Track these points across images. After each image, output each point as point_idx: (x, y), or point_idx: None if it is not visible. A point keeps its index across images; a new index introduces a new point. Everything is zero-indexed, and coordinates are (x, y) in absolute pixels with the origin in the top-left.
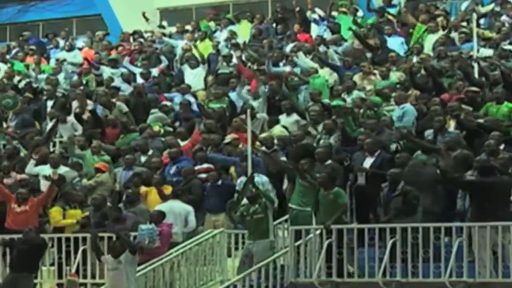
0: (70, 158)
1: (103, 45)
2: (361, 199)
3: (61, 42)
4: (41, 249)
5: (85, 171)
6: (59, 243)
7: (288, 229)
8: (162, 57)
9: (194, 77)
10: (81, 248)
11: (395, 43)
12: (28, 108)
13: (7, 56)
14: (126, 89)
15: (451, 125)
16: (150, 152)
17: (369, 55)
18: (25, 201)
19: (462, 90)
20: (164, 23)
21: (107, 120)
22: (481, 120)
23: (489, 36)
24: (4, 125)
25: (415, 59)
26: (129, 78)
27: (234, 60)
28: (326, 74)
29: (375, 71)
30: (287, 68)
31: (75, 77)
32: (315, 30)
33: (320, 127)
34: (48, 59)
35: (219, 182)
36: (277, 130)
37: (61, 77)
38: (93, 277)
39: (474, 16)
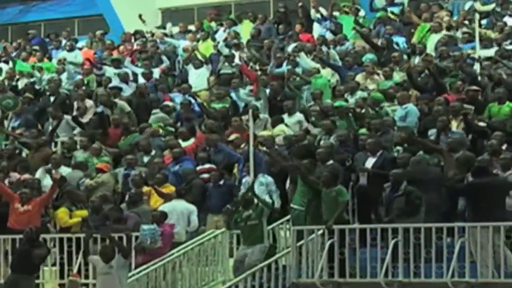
0: (73, 158)
1: (103, 45)
2: (363, 199)
3: (63, 42)
4: (41, 249)
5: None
6: (61, 244)
7: (290, 229)
8: (163, 57)
9: (198, 77)
10: (82, 248)
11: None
12: (29, 109)
13: (13, 54)
14: (126, 89)
15: (454, 125)
16: (153, 153)
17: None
18: (29, 201)
19: (462, 90)
20: (168, 25)
21: (112, 119)
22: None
23: (491, 36)
24: (7, 125)
25: (417, 59)
26: (125, 78)
27: (236, 60)
28: (328, 74)
29: (379, 71)
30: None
31: (78, 77)
32: (317, 30)
33: (318, 128)
34: (50, 59)
35: (221, 182)
36: (277, 129)
37: (63, 77)
38: (95, 277)
39: (477, 16)
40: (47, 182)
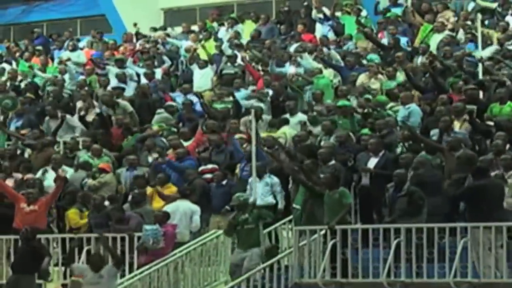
0: (76, 158)
1: (103, 45)
2: (365, 200)
3: (65, 43)
4: (39, 250)
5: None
6: (63, 244)
7: (292, 230)
8: (165, 58)
9: (202, 77)
10: (85, 249)
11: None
12: (31, 109)
13: (17, 54)
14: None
15: (457, 125)
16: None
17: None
18: (35, 201)
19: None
20: (169, 29)
21: (116, 120)
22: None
23: (494, 36)
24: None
25: (420, 59)
26: (123, 78)
27: (239, 61)
28: (331, 75)
29: (382, 71)
30: (291, 69)
31: (81, 78)
32: (319, 30)
33: (318, 128)
34: (52, 59)
35: (224, 182)
36: (279, 132)
37: (66, 77)
38: None
39: (479, 16)
40: (48, 182)
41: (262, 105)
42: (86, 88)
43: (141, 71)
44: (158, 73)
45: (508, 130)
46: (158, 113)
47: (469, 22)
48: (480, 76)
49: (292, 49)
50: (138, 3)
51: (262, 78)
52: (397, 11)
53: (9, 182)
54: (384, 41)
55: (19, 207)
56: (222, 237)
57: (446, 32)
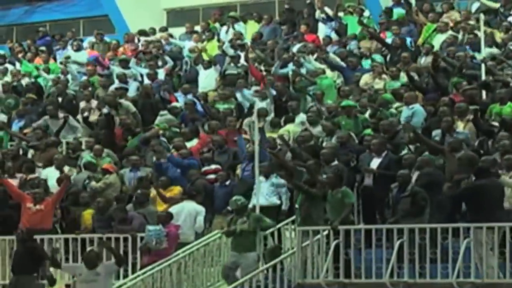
0: (80, 158)
1: (104, 46)
2: (368, 200)
3: (69, 43)
4: (36, 251)
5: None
6: (66, 244)
7: (295, 230)
8: (167, 58)
9: (206, 77)
10: (88, 249)
11: None
12: (33, 109)
13: (20, 54)
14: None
15: (460, 126)
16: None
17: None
18: (41, 201)
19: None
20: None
21: (120, 120)
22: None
23: (498, 36)
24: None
25: (424, 59)
26: (123, 78)
27: (242, 61)
28: (334, 75)
29: (387, 72)
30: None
31: (84, 78)
32: (322, 30)
33: (317, 128)
34: (55, 59)
35: (228, 183)
36: (283, 130)
37: (69, 77)
38: None
39: (482, 16)
40: (51, 183)
41: (264, 103)
42: (90, 88)
43: (144, 71)
44: (161, 73)
45: None
46: (161, 114)
47: (471, 22)
48: (483, 77)
49: (295, 49)
50: (141, 3)
51: (266, 78)
52: (400, 11)
53: (13, 183)
54: (387, 41)
55: (25, 207)
56: (225, 238)
57: (450, 32)
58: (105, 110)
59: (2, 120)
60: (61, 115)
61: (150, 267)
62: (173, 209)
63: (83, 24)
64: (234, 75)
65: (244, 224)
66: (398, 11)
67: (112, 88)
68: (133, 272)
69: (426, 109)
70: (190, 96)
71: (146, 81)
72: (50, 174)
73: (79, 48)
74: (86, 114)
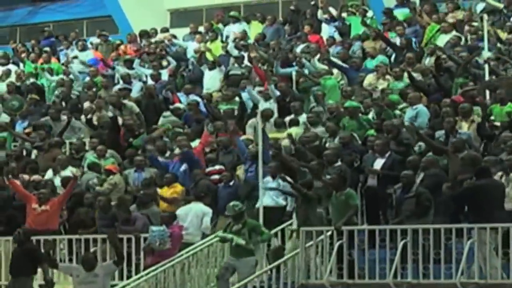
0: (84, 159)
1: (108, 47)
2: (372, 200)
3: (73, 43)
4: (33, 252)
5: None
6: (70, 245)
7: (300, 231)
8: (170, 58)
9: (210, 78)
10: (92, 250)
11: None
12: (36, 110)
13: (23, 55)
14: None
15: (464, 126)
16: (168, 154)
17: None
18: (46, 201)
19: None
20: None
21: (122, 121)
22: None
23: (502, 36)
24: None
25: (428, 60)
26: (127, 79)
27: (246, 61)
28: (338, 76)
29: (390, 72)
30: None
31: (87, 79)
32: (325, 30)
33: (318, 129)
34: (59, 59)
35: (232, 183)
36: (285, 133)
37: (71, 77)
38: None
39: (485, 16)
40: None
41: (266, 104)
42: (94, 89)
43: (148, 72)
44: (164, 74)
45: None
46: (164, 116)
47: (475, 23)
48: (487, 77)
49: (298, 50)
50: (144, 4)
51: (269, 80)
52: (402, 12)
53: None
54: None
55: (31, 207)
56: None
57: (453, 33)
58: (110, 113)
59: (5, 121)
60: (64, 117)
61: (153, 267)
62: (180, 210)
63: (87, 25)
64: (238, 76)
65: (241, 236)
66: (402, 12)
67: (115, 88)
68: (136, 273)
69: (430, 109)
70: (192, 96)
71: (150, 81)
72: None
73: (84, 48)
74: (89, 116)
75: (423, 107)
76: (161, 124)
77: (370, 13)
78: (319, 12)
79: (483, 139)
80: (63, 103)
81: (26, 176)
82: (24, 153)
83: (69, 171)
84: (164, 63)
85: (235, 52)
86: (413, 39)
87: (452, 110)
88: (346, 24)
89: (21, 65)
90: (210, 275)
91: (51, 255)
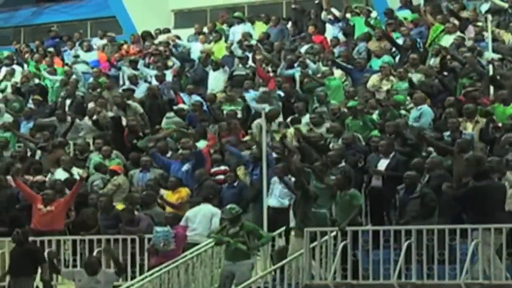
0: (88, 161)
1: (113, 48)
2: (376, 201)
3: (76, 45)
4: (34, 253)
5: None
6: (74, 245)
7: (304, 231)
8: (173, 59)
9: (214, 79)
10: (96, 250)
11: None
12: (40, 110)
13: (26, 55)
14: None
15: (469, 127)
16: (169, 154)
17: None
18: (51, 202)
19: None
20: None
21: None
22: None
23: (506, 37)
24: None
25: (432, 60)
26: (134, 79)
27: (250, 62)
28: (343, 76)
29: (394, 73)
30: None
31: (91, 80)
32: (329, 31)
33: (321, 129)
34: (63, 60)
35: (236, 184)
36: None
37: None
38: None
39: (489, 17)
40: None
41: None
42: (99, 89)
43: (152, 73)
44: (169, 74)
45: None
46: (168, 117)
47: (479, 24)
48: None
49: (302, 50)
50: (148, 4)
51: (273, 79)
52: (406, 13)
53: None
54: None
55: (36, 207)
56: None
57: (457, 33)
58: (110, 114)
59: (8, 121)
60: (69, 118)
61: (157, 268)
62: (189, 212)
63: (91, 25)
64: (242, 76)
65: (239, 239)
66: (405, 14)
67: (119, 89)
68: (140, 274)
69: (435, 110)
70: (194, 97)
71: (154, 82)
72: (56, 175)
73: (89, 49)
74: (95, 117)
75: (427, 107)
76: (164, 125)
77: (374, 14)
78: (323, 14)
79: (487, 144)
80: (67, 103)
81: (29, 177)
82: (29, 153)
83: (75, 172)
84: (170, 63)
85: (239, 53)
86: (418, 40)
87: (456, 110)
88: (350, 24)
89: (25, 66)
90: (214, 276)
91: (54, 263)
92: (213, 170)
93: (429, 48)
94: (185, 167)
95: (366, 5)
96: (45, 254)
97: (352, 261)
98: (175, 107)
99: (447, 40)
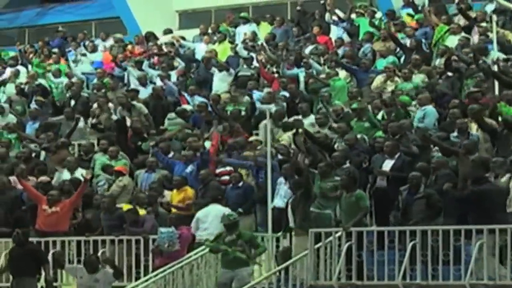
0: (93, 161)
1: (119, 48)
2: (381, 202)
3: (81, 45)
4: (36, 253)
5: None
6: (78, 246)
7: (308, 232)
8: (178, 60)
9: (219, 80)
10: (100, 251)
11: None
12: (44, 111)
13: (31, 56)
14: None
15: (474, 127)
16: (171, 154)
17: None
18: (56, 203)
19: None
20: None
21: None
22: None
23: (510, 37)
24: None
25: (438, 61)
26: (143, 80)
27: (255, 63)
28: (347, 77)
29: (399, 73)
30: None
31: (95, 80)
32: (334, 32)
33: (325, 130)
34: (67, 61)
35: (240, 184)
36: (285, 136)
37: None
38: None
39: (494, 17)
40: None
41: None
42: (103, 90)
43: (156, 73)
44: (173, 75)
45: None
46: (169, 118)
47: (483, 24)
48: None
49: (307, 51)
50: (153, 5)
51: (278, 80)
52: (408, 12)
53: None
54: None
55: (41, 208)
56: None
57: (462, 34)
58: (114, 117)
59: (12, 122)
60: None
61: (162, 269)
62: (200, 213)
63: (95, 26)
64: (247, 77)
65: (237, 248)
66: (407, 12)
67: (124, 90)
68: (145, 274)
69: (441, 110)
70: (197, 98)
71: (159, 83)
72: (63, 176)
73: (94, 50)
74: (94, 120)
75: (432, 108)
76: (167, 126)
77: (378, 14)
78: (327, 15)
79: (490, 135)
80: (72, 104)
81: (33, 178)
82: (33, 154)
83: (79, 173)
84: (175, 64)
85: (244, 53)
86: (423, 41)
87: (460, 111)
88: (355, 25)
89: (29, 66)
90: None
91: (59, 258)
92: (218, 170)
93: (434, 48)
94: (189, 168)
95: (370, 5)
96: (50, 254)
97: (357, 262)
98: (178, 108)
99: (451, 41)
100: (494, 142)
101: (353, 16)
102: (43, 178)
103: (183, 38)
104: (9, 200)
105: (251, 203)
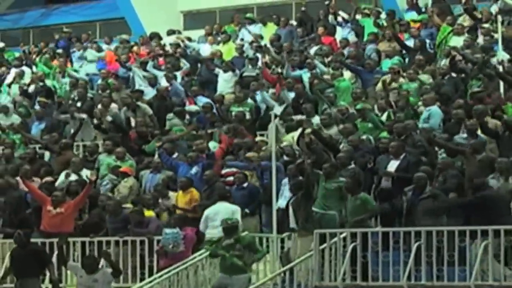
0: (98, 161)
1: (125, 49)
2: (386, 202)
3: (84, 44)
4: (39, 254)
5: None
6: (83, 247)
7: (313, 233)
8: (183, 60)
9: (224, 80)
10: (87, 254)
11: None
12: (49, 112)
13: (34, 56)
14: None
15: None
16: (175, 155)
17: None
18: (61, 204)
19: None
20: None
21: (136, 123)
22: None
23: None
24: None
25: (443, 61)
26: (152, 80)
27: (260, 63)
28: (352, 77)
29: (404, 74)
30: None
31: (99, 81)
32: (339, 32)
33: (331, 131)
34: (71, 62)
35: (245, 185)
36: (289, 137)
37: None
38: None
39: (499, 18)
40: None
41: (280, 108)
42: (108, 91)
43: (161, 74)
44: (178, 76)
45: None
46: (169, 118)
47: (486, 25)
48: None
49: (312, 51)
50: (157, 6)
51: (282, 81)
52: (412, 15)
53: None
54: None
55: (46, 209)
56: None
57: (466, 34)
58: (109, 118)
59: (16, 122)
60: (81, 115)
61: (167, 270)
62: (209, 210)
63: (100, 27)
64: (252, 77)
65: (235, 252)
66: (412, 15)
67: (128, 91)
68: (149, 275)
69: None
70: (200, 98)
71: (163, 83)
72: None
73: (99, 50)
74: (96, 122)
75: (437, 108)
76: (168, 127)
77: (383, 15)
78: (330, 18)
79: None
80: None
81: (37, 179)
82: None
83: (84, 174)
84: (181, 64)
85: (251, 54)
86: (428, 41)
87: (464, 112)
88: (360, 26)
89: (33, 67)
90: None
91: (63, 250)
92: (223, 171)
93: (438, 49)
94: (194, 169)
95: (375, 6)
96: (54, 254)
97: (362, 263)
98: (175, 109)
99: (455, 42)
100: (498, 143)
101: (358, 17)
102: (47, 178)
103: (189, 39)
104: (14, 201)
105: (257, 203)
